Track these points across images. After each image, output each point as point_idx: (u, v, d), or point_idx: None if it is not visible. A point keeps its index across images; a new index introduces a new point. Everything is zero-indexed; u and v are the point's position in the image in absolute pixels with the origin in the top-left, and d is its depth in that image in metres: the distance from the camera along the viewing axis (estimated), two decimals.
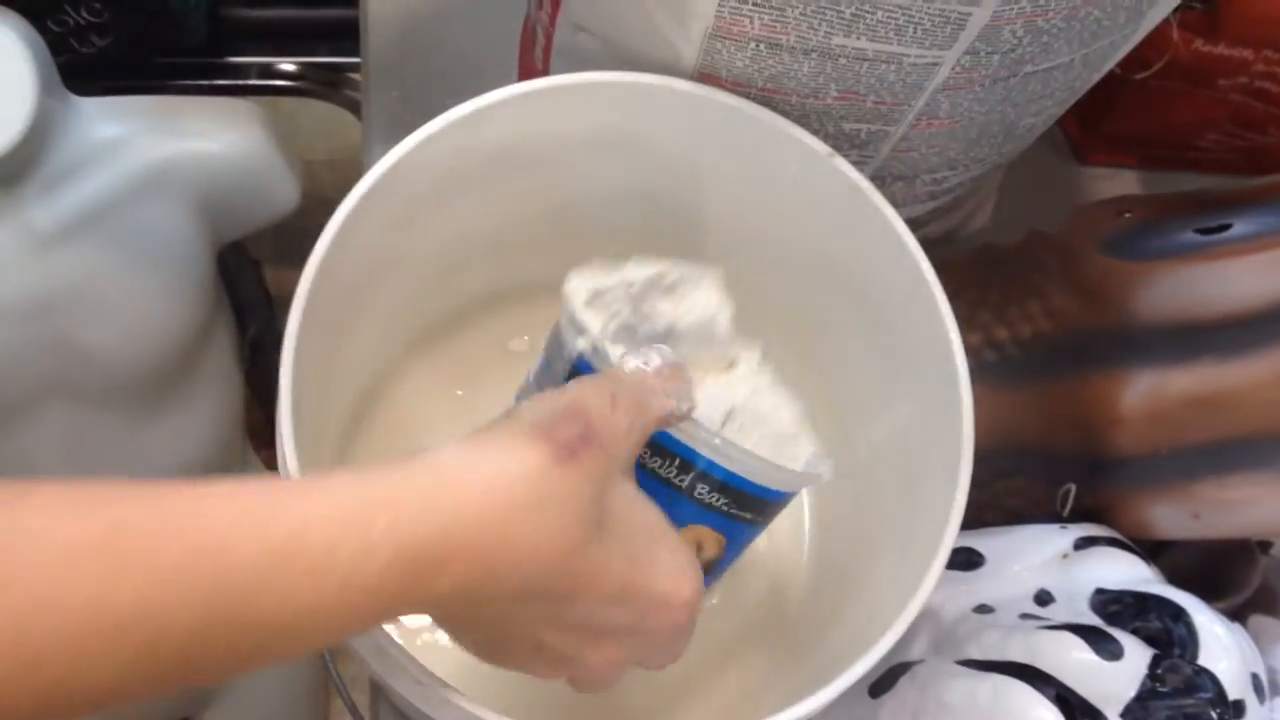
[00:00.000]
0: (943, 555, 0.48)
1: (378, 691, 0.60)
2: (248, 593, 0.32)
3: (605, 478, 0.39)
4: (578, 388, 0.41)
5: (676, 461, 0.46)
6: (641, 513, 0.42)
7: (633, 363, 0.43)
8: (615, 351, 0.46)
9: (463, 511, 0.35)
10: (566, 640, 0.40)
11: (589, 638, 0.41)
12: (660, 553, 0.41)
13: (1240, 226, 0.58)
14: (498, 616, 0.39)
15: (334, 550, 0.33)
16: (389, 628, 0.44)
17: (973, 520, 0.50)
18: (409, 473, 0.36)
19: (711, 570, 0.50)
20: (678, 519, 0.44)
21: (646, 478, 0.46)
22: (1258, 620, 0.60)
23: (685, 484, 0.46)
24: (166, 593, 0.32)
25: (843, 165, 0.53)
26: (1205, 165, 0.81)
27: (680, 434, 0.45)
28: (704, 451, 0.46)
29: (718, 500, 0.47)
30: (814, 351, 0.62)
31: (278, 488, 0.35)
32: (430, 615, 0.39)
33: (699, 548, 0.48)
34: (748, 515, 0.49)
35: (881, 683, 0.55)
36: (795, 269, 0.59)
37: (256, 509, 0.34)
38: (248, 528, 0.33)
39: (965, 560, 0.58)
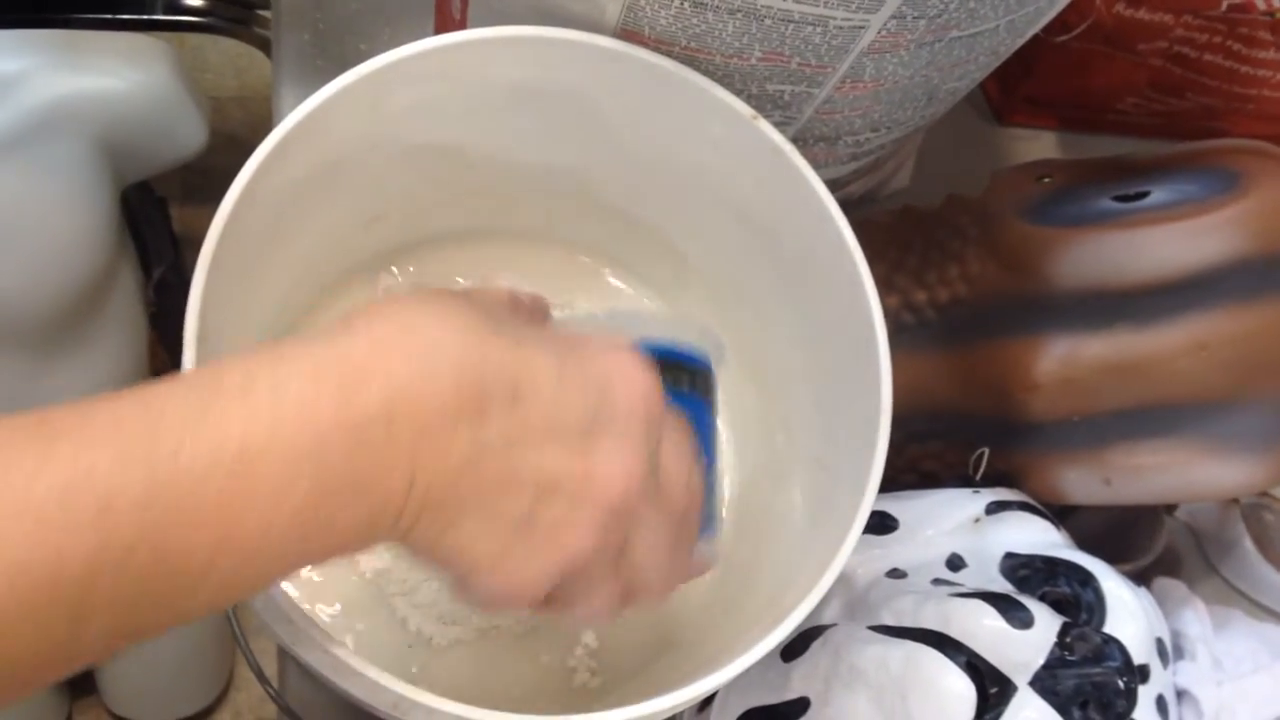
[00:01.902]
0: (860, 521, 0.48)
1: (285, 652, 0.59)
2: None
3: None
4: None
5: None
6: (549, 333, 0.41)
7: None
8: None
9: (368, 333, 0.35)
10: (550, 454, 0.37)
11: (574, 440, 0.37)
12: (586, 342, 0.40)
13: (1158, 194, 0.59)
14: (468, 459, 0.35)
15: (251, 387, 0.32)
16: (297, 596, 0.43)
17: (887, 483, 0.49)
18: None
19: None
20: None
21: None
22: (1162, 583, 0.61)
23: None
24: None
25: (765, 127, 0.52)
26: (1124, 129, 0.81)
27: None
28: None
29: None
30: (734, 314, 0.61)
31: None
32: (412, 526, 0.35)
33: None
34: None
35: (794, 646, 0.55)
36: (717, 230, 0.58)
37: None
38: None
39: (879, 524, 0.58)
